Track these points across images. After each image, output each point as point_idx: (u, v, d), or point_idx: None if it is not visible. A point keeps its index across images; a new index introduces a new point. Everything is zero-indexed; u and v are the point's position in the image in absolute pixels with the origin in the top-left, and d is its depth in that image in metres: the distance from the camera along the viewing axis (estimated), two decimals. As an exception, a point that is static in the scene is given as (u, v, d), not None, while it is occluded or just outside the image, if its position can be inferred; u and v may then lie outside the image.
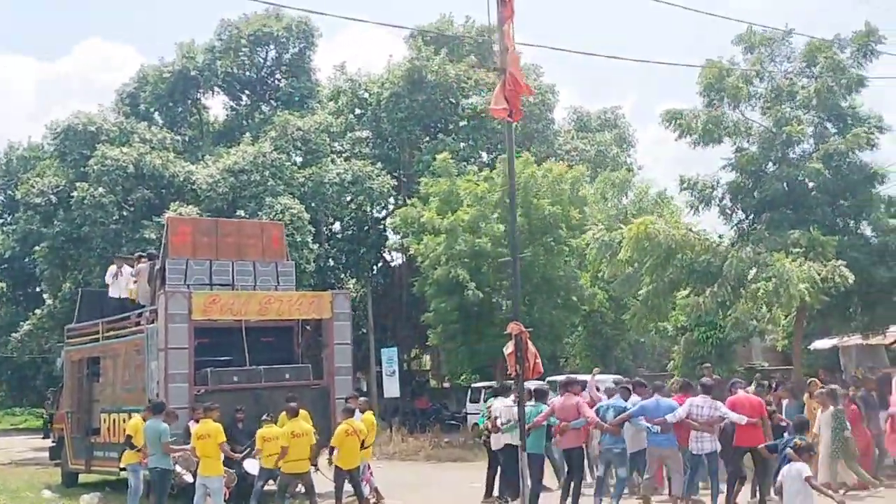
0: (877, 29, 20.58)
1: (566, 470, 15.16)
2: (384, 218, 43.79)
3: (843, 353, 25.13)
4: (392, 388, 31.21)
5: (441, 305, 29.06)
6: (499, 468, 16.36)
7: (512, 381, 17.28)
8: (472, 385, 33.50)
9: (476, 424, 31.59)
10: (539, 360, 10.41)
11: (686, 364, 27.91)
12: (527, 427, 14.62)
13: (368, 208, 40.18)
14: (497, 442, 15.86)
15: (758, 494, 14.64)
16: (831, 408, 15.83)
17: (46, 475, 24.44)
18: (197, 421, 16.89)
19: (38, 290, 53.47)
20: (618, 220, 31.00)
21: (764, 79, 21.11)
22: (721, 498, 14.33)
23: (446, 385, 47.00)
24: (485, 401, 31.44)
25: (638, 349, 35.29)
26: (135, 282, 21.42)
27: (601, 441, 14.63)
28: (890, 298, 20.04)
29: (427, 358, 49.02)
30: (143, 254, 22.12)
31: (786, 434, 13.65)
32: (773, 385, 18.40)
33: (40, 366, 50.39)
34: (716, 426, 14.24)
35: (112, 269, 22.86)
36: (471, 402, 32.55)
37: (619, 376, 29.40)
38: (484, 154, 41.03)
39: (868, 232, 20.65)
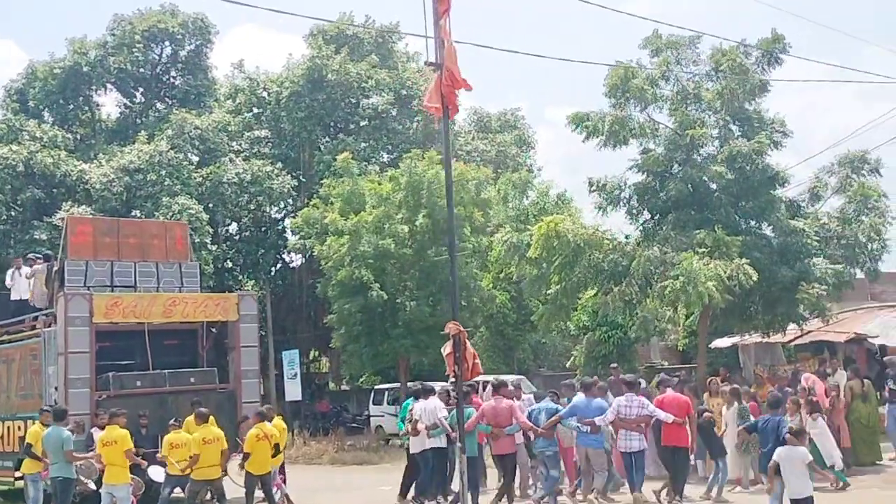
0: (783, 37, 21.13)
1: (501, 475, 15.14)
2: (283, 218, 43.27)
3: (743, 350, 25.77)
4: (294, 392, 30.81)
5: (345, 307, 28.76)
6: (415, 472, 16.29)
7: (429, 385, 17.39)
8: (375, 387, 33.38)
9: (380, 427, 31.60)
10: (478, 361, 10.30)
11: (588, 363, 28.28)
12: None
13: (268, 209, 39.59)
14: (417, 445, 15.67)
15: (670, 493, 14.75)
16: (736, 404, 16.25)
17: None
18: (101, 427, 16.40)
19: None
20: (519, 221, 31.37)
21: (670, 81, 21.47)
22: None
23: (346, 388, 46.78)
24: (389, 403, 31.47)
25: (539, 349, 35.61)
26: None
27: (535, 444, 14.63)
28: (790, 297, 20.57)
29: (325, 360, 48.59)
30: (39, 254, 21.30)
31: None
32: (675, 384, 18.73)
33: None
34: (644, 424, 14.36)
35: (11, 270, 21.94)
36: (374, 404, 32.44)
37: (520, 376, 29.81)
38: (385, 154, 40.87)
39: (769, 233, 21.15)
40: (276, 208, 40.55)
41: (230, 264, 39.91)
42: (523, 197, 34.25)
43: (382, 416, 31.43)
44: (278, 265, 43.11)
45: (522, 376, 30.23)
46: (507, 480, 14.66)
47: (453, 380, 10.47)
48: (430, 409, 15.52)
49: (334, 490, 19.34)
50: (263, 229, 42.83)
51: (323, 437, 31.48)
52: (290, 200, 39.37)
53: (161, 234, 20.24)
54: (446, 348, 10.17)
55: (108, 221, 22.14)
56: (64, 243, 19.15)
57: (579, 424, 14.21)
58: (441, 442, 15.50)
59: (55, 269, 19.01)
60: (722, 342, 25.50)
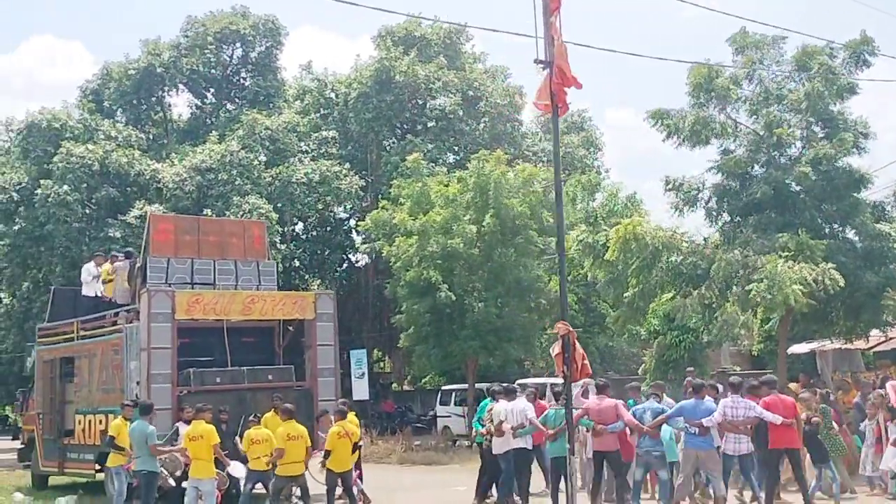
0: (871, 38, 20.74)
1: (593, 473, 14.96)
2: (348, 219, 43.54)
3: (821, 357, 25.31)
4: (361, 391, 30.92)
5: (413, 307, 28.80)
6: (493, 473, 16.18)
7: (514, 385, 17.31)
8: (443, 388, 33.35)
9: (447, 427, 31.60)
10: (587, 361, 10.18)
11: (658, 368, 28.00)
12: (553, 430, 14.59)
13: (335, 209, 39.85)
14: (501, 446, 15.45)
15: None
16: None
17: (13, 477, 23.93)
18: (187, 422, 16.63)
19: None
20: (588, 223, 31.16)
21: (753, 81, 21.16)
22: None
23: (408, 388, 46.89)
24: (457, 403, 31.44)
25: (606, 353, 35.32)
26: (105, 280, 21.02)
27: (639, 444, 14.38)
28: (875, 303, 20.11)
29: (388, 360, 48.75)
30: (121, 252, 21.68)
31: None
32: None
33: (-10, 366, 49.41)
34: (750, 427, 14.14)
35: (89, 266, 22.33)
36: (440, 404, 32.43)
37: (589, 380, 29.60)
38: (450, 155, 40.92)
39: (853, 236, 20.76)
40: (343, 208, 40.75)
41: (297, 263, 40.27)
42: (591, 199, 33.98)
43: (449, 416, 31.45)
44: (344, 265, 43.37)
45: (591, 380, 30.02)
46: (620, 480, 14.46)
47: (562, 380, 10.30)
48: (519, 409, 15.40)
49: (407, 490, 19.37)
50: (329, 229, 43.16)
51: (389, 436, 31.58)
52: (357, 200, 39.58)
53: (240, 232, 20.48)
54: (555, 348, 10.08)
55: (189, 219, 22.44)
56: (146, 240, 19.44)
57: (687, 425, 13.95)
58: (525, 443, 15.37)
59: (137, 265, 19.31)
60: (799, 348, 25.04)
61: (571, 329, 9.97)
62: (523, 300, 29.54)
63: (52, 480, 22.19)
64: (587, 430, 14.86)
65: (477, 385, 29.37)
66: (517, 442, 15.32)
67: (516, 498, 15.61)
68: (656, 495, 15.36)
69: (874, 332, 21.93)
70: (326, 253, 42.73)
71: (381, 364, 49.19)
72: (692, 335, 27.88)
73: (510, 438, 15.34)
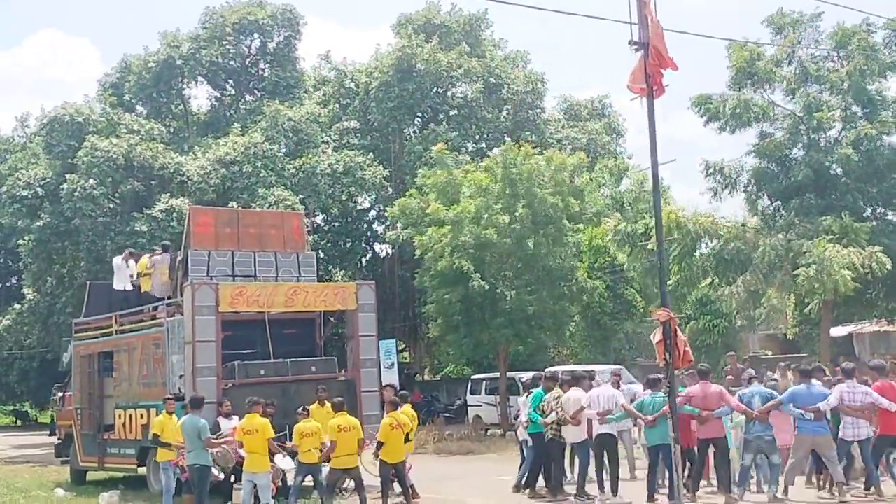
0: None
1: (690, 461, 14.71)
2: (371, 208, 43.40)
3: (858, 340, 25.16)
4: (391, 380, 30.79)
5: (445, 297, 28.66)
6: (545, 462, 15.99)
7: (581, 372, 17.02)
8: (472, 377, 33.20)
9: (478, 417, 31.43)
10: (689, 349, 9.98)
11: (692, 352, 27.78)
12: (651, 416, 14.34)
13: (359, 199, 39.69)
14: (577, 434, 15.23)
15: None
16: None
17: (49, 473, 23.87)
18: (226, 416, 16.54)
19: (12, 284, 52.68)
20: (614, 210, 30.98)
21: (792, 62, 20.93)
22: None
23: (432, 378, 46.83)
24: (487, 392, 31.18)
25: (635, 339, 35.20)
26: (141, 274, 20.92)
27: (748, 430, 14.23)
28: (919, 285, 19.97)
29: (411, 351, 48.66)
30: (157, 246, 21.60)
31: None
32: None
33: (13, 362, 49.52)
34: (869, 412, 13.99)
35: (116, 260, 22.24)
36: (471, 393, 32.27)
37: (619, 366, 29.45)
38: (471, 144, 40.74)
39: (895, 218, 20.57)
40: (367, 197, 40.61)
41: (322, 254, 40.17)
42: (618, 184, 33.79)
43: (480, 405, 31.30)
44: (368, 255, 43.24)
45: (621, 366, 29.88)
46: (724, 467, 14.34)
47: (664, 367, 10.11)
48: (606, 395, 15.22)
49: (452, 479, 19.23)
50: (351, 220, 43.02)
51: (419, 426, 31.39)
52: (380, 190, 39.41)
53: (279, 223, 20.37)
54: (656, 336, 9.88)
55: (229, 212, 22.34)
56: (186, 233, 19.33)
57: (802, 412, 13.82)
58: (611, 429, 15.20)
59: (178, 259, 19.19)
60: (836, 331, 24.89)
61: (673, 315, 9.74)
62: (554, 288, 29.38)
63: (91, 476, 22.09)
64: (692, 417, 14.50)
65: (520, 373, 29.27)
66: (602, 428, 15.08)
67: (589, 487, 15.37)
68: (712, 481, 15.28)
69: (914, 314, 21.74)
70: (349, 244, 42.61)
71: (409, 354, 49.12)
72: (725, 320, 27.74)
73: (591, 426, 15.14)
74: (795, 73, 20.91)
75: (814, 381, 14.36)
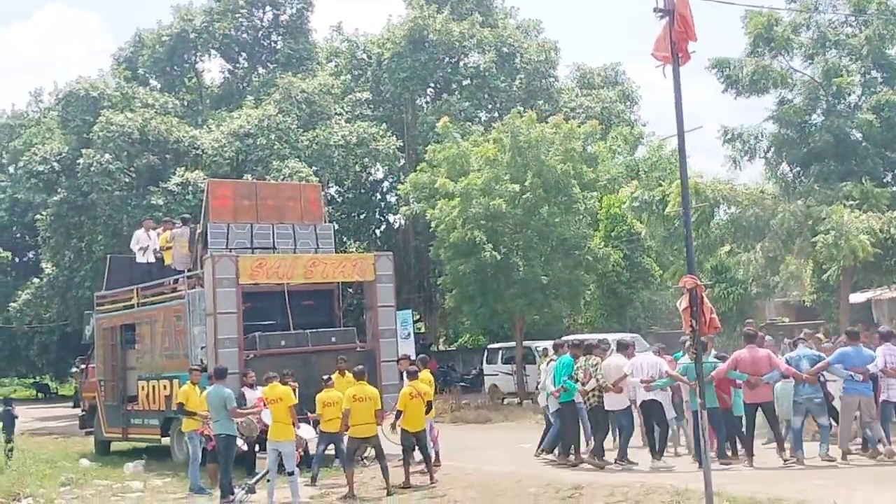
0: None
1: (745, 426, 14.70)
2: (384, 179, 43.49)
3: (876, 306, 25.18)
4: (408, 351, 30.88)
5: (459, 268, 28.75)
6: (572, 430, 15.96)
7: (627, 340, 16.97)
8: (489, 347, 33.35)
9: (494, 386, 31.60)
10: (715, 315, 10.06)
11: (706, 321, 27.83)
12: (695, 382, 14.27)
13: (373, 170, 39.78)
14: (619, 401, 15.15)
15: None
16: None
17: (76, 444, 24.19)
18: (250, 386, 16.73)
19: (30, 259, 53.07)
20: (629, 178, 30.94)
21: (810, 27, 20.85)
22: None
23: (445, 348, 47.03)
24: (503, 362, 31.33)
25: (651, 307, 35.24)
26: (163, 248, 21.09)
27: (798, 392, 14.31)
28: (939, 250, 19.92)
29: (427, 321, 48.86)
30: (177, 218, 21.76)
31: None
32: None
33: (33, 335, 50.01)
34: None
35: (138, 233, 22.43)
36: (487, 363, 32.41)
37: (635, 334, 29.53)
38: (483, 113, 40.70)
39: (916, 184, 20.57)
40: (381, 169, 40.67)
41: (336, 226, 40.23)
42: (633, 152, 33.73)
43: (496, 374, 31.45)
44: (382, 226, 43.36)
45: (636, 335, 29.95)
46: (776, 431, 14.41)
47: (690, 334, 10.20)
48: (650, 363, 15.14)
49: (472, 449, 19.32)
50: (364, 191, 43.12)
51: (437, 396, 31.54)
52: (393, 161, 39.46)
53: (296, 195, 20.46)
54: (682, 303, 9.94)
55: (247, 184, 22.48)
56: (205, 206, 19.45)
57: (851, 373, 13.89)
58: (657, 395, 15.07)
59: (198, 231, 19.34)
60: (855, 297, 24.86)
61: (699, 283, 9.79)
62: (569, 257, 29.43)
63: (115, 447, 22.40)
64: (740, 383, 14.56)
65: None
66: (647, 395, 15.01)
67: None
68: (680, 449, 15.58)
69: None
70: (363, 215, 42.75)
71: (419, 325, 49.34)
72: (741, 287, 27.77)
73: (633, 392, 15.20)
74: (813, 39, 20.80)
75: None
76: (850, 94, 20.55)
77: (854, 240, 17.13)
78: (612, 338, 20.78)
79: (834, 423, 14.73)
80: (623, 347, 15.84)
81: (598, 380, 15.16)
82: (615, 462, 15.17)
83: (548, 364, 16.58)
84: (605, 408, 15.29)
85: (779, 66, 20.69)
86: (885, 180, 20.03)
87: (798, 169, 20.80)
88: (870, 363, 13.91)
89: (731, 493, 11.61)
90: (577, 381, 15.46)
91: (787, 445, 14.52)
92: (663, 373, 15.00)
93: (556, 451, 16.35)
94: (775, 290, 24.38)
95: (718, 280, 28.08)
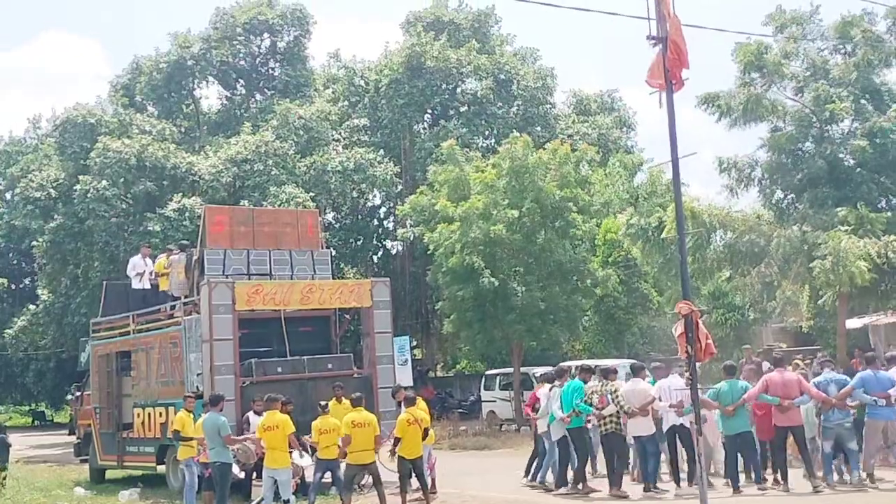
0: None
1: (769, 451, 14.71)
2: (381, 205, 43.49)
3: (873, 332, 25.13)
4: (405, 377, 30.80)
5: (457, 293, 28.71)
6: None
7: (639, 364, 16.81)
8: (486, 372, 33.26)
9: (492, 412, 31.44)
10: (711, 341, 10.03)
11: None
12: (730, 407, 14.17)
13: (370, 196, 39.80)
14: (644, 427, 14.97)
15: None
16: None
17: (71, 472, 24.04)
18: (258, 413, 16.59)
19: (26, 285, 53.00)
20: (628, 203, 30.98)
21: (798, 57, 21.00)
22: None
23: (445, 374, 46.91)
24: (501, 388, 31.21)
25: (649, 333, 35.20)
26: (160, 273, 21.05)
27: (827, 417, 14.30)
28: (937, 275, 19.96)
29: (423, 347, 48.75)
30: (174, 245, 21.75)
31: None
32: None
33: (28, 362, 49.80)
34: None
35: (135, 260, 22.40)
36: (485, 389, 32.33)
37: (634, 360, 29.44)
38: (480, 139, 40.75)
39: (911, 209, 20.60)
40: (378, 195, 40.71)
41: (333, 252, 40.19)
42: (632, 178, 33.77)
43: (494, 401, 31.35)
44: (379, 252, 43.34)
45: (634, 361, 29.82)
46: (805, 456, 14.30)
47: (686, 360, 10.17)
48: (678, 386, 14.82)
49: (472, 475, 19.25)
50: (362, 217, 43.11)
51: (434, 422, 31.40)
52: (391, 188, 39.48)
53: (293, 221, 20.43)
54: (678, 329, 9.92)
55: (244, 210, 22.44)
56: (202, 233, 19.43)
57: (875, 398, 13.94)
58: (685, 420, 14.73)
59: (194, 258, 19.30)
60: (852, 323, 24.83)
61: (695, 308, 9.78)
62: (566, 282, 29.41)
63: (109, 474, 22.26)
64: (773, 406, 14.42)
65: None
66: (675, 419, 14.78)
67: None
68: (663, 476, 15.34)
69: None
70: (360, 241, 42.71)
71: (417, 351, 49.20)
72: (738, 313, 27.75)
73: (660, 418, 14.98)
74: (803, 68, 20.95)
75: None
76: (842, 121, 20.66)
77: (852, 265, 17.15)
78: (611, 364, 20.67)
79: None
80: (638, 370, 15.63)
81: (619, 405, 14.90)
82: (645, 490, 14.96)
83: (551, 390, 16.12)
84: (632, 434, 15.07)
85: (771, 95, 20.78)
86: (879, 206, 20.06)
87: (792, 195, 20.90)
88: (889, 388, 13.94)
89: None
90: (590, 405, 15.17)
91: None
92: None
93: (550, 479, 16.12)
94: (772, 316, 24.27)
95: (716, 306, 28.07)
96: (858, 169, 20.17)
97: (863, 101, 20.81)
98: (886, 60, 20.46)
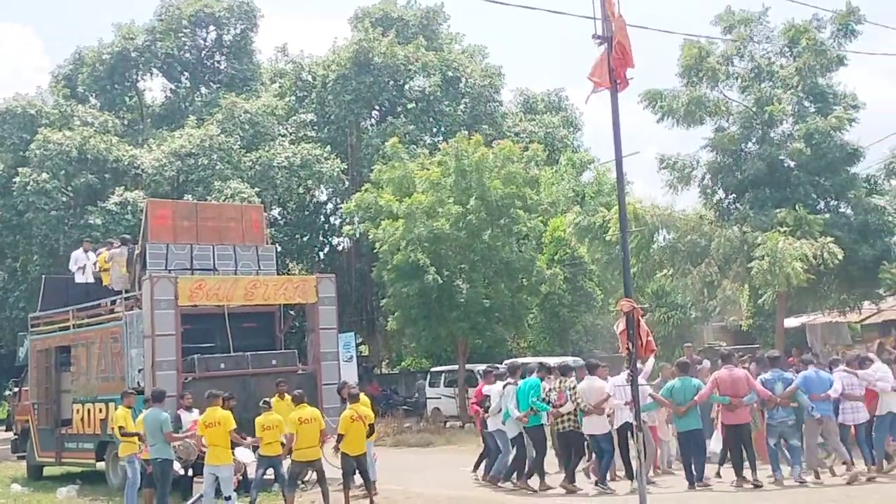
0: (858, 8, 20.83)
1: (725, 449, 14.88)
2: (328, 201, 43.29)
3: (810, 331, 25.59)
4: (350, 374, 30.66)
5: (402, 290, 28.65)
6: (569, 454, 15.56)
7: (595, 361, 16.63)
8: (431, 370, 33.25)
9: (436, 409, 31.44)
10: (651, 338, 10.12)
11: (647, 345, 28.09)
12: (682, 407, 14.31)
13: (317, 193, 39.59)
14: (597, 426, 14.91)
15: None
16: None
17: (8, 468, 23.62)
18: (187, 409, 16.46)
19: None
20: (574, 202, 31.20)
21: (744, 58, 21.25)
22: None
23: (390, 371, 46.79)
24: (446, 385, 31.22)
25: (593, 331, 35.48)
26: (102, 269, 20.74)
27: (772, 415, 14.49)
28: (870, 276, 20.30)
29: (367, 345, 48.62)
30: (115, 239, 21.43)
31: None
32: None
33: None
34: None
35: (77, 254, 22.06)
36: (430, 386, 32.31)
37: (577, 358, 29.64)
38: (427, 137, 40.73)
39: (848, 211, 20.92)
40: (325, 191, 40.50)
41: (279, 248, 39.96)
42: (579, 177, 33.99)
43: (439, 398, 31.36)
44: (325, 249, 43.13)
45: (578, 358, 30.05)
46: (750, 453, 14.41)
47: (627, 357, 10.25)
48: (645, 385, 14.84)
49: (414, 471, 19.27)
50: (308, 213, 42.86)
51: (378, 419, 31.33)
52: (337, 184, 39.29)
53: (238, 217, 20.28)
54: (619, 325, 10.00)
55: (187, 205, 22.22)
56: (144, 227, 19.20)
57: (812, 405, 14.27)
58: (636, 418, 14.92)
59: (136, 252, 19.05)
60: (789, 322, 25.26)
61: (636, 306, 9.88)
62: (512, 280, 29.53)
63: (47, 471, 21.92)
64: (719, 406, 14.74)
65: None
66: (629, 416, 14.53)
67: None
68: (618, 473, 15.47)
69: (866, 304, 22.21)
70: (306, 237, 42.48)
71: (362, 347, 49.05)
72: (680, 312, 28.08)
73: (613, 415, 14.97)
74: (748, 69, 21.20)
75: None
76: (781, 123, 20.92)
77: (788, 267, 17.42)
78: (555, 361, 20.76)
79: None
80: (594, 368, 15.58)
81: (576, 402, 14.93)
82: (595, 486, 15.01)
83: (504, 388, 15.89)
84: (587, 432, 15.06)
85: (714, 96, 21.02)
86: (817, 207, 20.38)
87: (733, 196, 21.12)
88: (829, 388, 14.29)
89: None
90: (548, 403, 15.18)
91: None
92: (647, 395, 14.72)
93: (512, 476, 16.08)
94: (713, 315, 24.59)
95: (658, 304, 28.36)
96: (796, 171, 20.45)
97: (806, 104, 21.07)
98: (829, 67, 20.74)
